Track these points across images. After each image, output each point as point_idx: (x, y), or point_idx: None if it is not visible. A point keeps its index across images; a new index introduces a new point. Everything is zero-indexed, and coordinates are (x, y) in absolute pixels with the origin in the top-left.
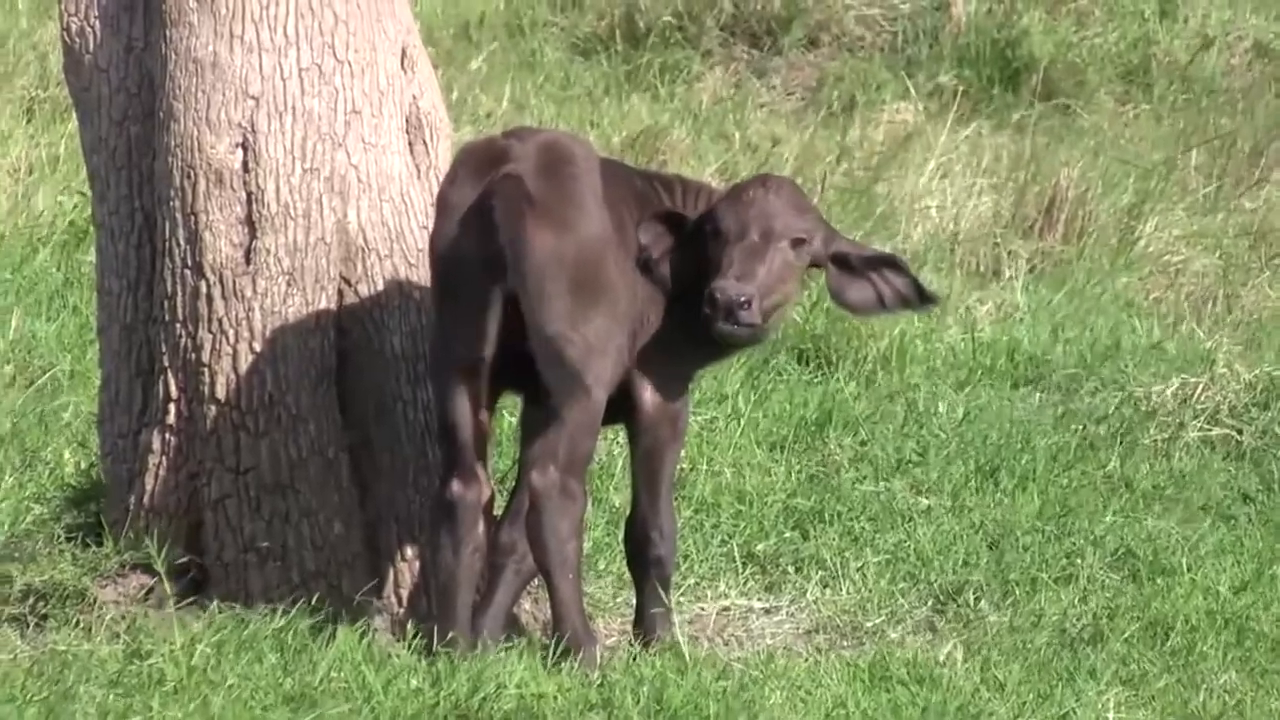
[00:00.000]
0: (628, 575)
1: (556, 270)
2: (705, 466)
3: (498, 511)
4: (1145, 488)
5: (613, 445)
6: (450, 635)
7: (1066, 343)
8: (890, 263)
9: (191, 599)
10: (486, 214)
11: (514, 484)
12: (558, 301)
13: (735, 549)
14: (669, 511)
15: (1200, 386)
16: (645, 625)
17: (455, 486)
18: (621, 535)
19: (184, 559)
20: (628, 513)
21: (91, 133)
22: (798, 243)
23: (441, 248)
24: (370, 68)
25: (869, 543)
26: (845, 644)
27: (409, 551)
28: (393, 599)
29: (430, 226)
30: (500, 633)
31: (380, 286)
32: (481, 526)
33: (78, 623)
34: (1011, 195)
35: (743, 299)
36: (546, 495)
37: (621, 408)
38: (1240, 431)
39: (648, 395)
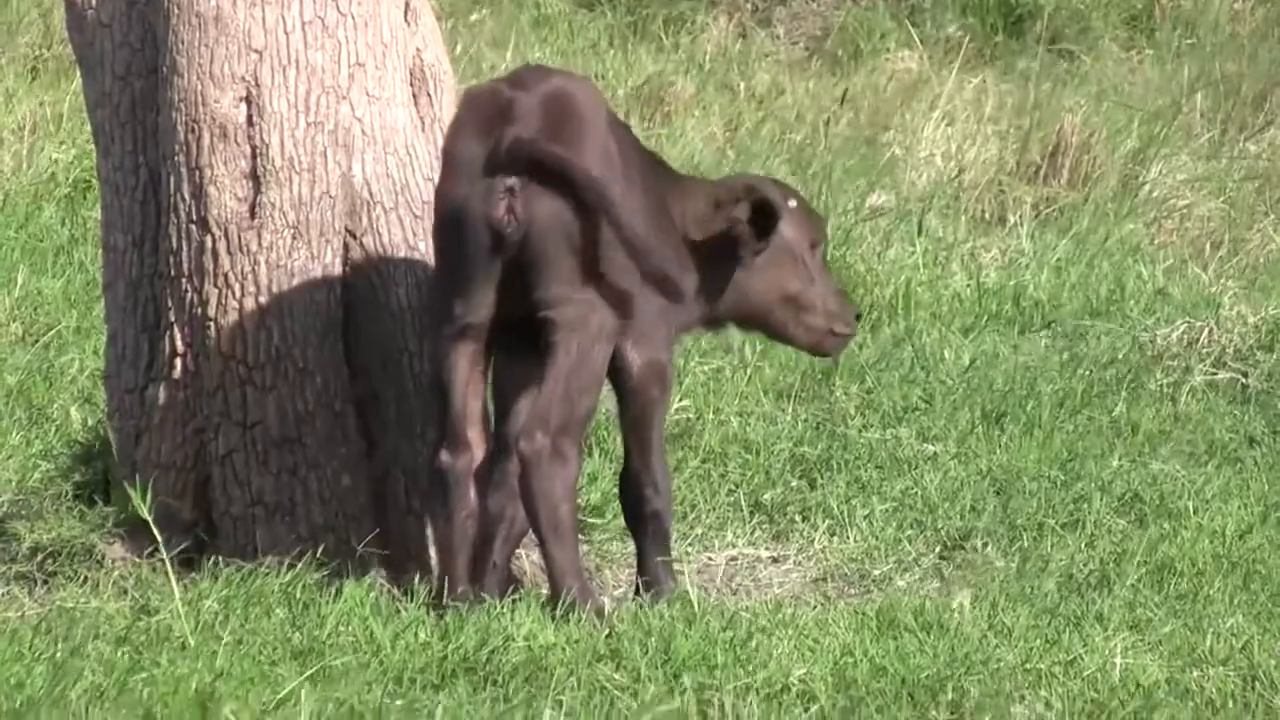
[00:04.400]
0: None
1: (556, 237)
2: (712, 416)
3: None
4: (1151, 432)
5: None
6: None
7: (1072, 288)
8: None
9: (198, 553)
10: (492, 178)
11: (494, 449)
12: (560, 265)
13: (742, 498)
14: (662, 465)
15: (1206, 330)
16: (648, 578)
17: (444, 455)
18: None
19: (192, 514)
20: (621, 469)
21: (95, 89)
22: None
23: (446, 206)
24: (373, 20)
25: (876, 490)
26: (853, 592)
27: (416, 503)
28: (400, 552)
29: (435, 179)
30: (498, 596)
31: (385, 239)
32: (473, 492)
33: (85, 580)
34: (1016, 142)
35: None
36: (535, 461)
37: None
38: (1246, 375)
39: (635, 355)
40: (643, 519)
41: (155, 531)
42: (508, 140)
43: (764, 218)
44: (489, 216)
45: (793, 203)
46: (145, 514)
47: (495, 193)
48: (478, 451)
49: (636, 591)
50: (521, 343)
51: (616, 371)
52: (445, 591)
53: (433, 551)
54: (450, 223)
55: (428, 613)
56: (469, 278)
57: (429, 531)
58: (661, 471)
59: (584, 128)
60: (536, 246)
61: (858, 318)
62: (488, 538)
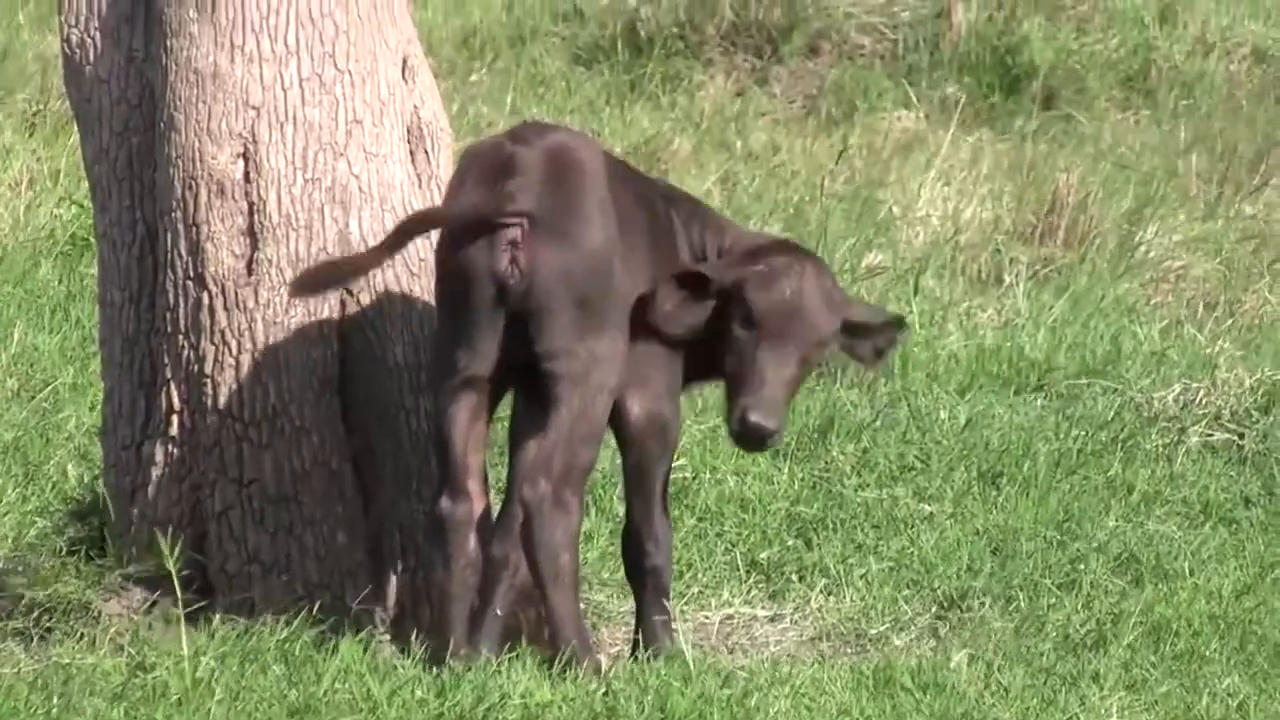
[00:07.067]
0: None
1: (561, 287)
2: (708, 475)
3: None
4: (1147, 492)
5: (616, 454)
6: (449, 649)
7: (1068, 348)
8: (895, 324)
9: (197, 608)
10: (495, 231)
11: (504, 497)
12: (562, 317)
13: (739, 557)
14: (663, 521)
15: (1201, 391)
16: (646, 634)
17: (444, 503)
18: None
19: (187, 571)
20: (623, 523)
21: (93, 144)
22: (821, 344)
23: (448, 259)
24: (371, 77)
25: (872, 550)
26: (849, 651)
27: (412, 560)
28: (396, 608)
29: (434, 235)
30: (498, 646)
31: (382, 296)
32: (473, 542)
33: (81, 636)
34: (1013, 202)
35: (775, 433)
36: (537, 509)
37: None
38: (1241, 436)
39: (636, 408)
40: (642, 574)
41: (176, 584)
42: (509, 193)
43: (693, 282)
44: (493, 269)
45: (758, 268)
46: (170, 565)
47: (498, 245)
48: (477, 503)
49: (634, 648)
50: (533, 391)
51: (617, 423)
52: (442, 644)
53: (429, 607)
54: (453, 275)
55: (425, 668)
56: (472, 330)
57: (425, 587)
58: (662, 526)
59: (583, 183)
60: (540, 298)
61: (741, 432)
62: (490, 585)
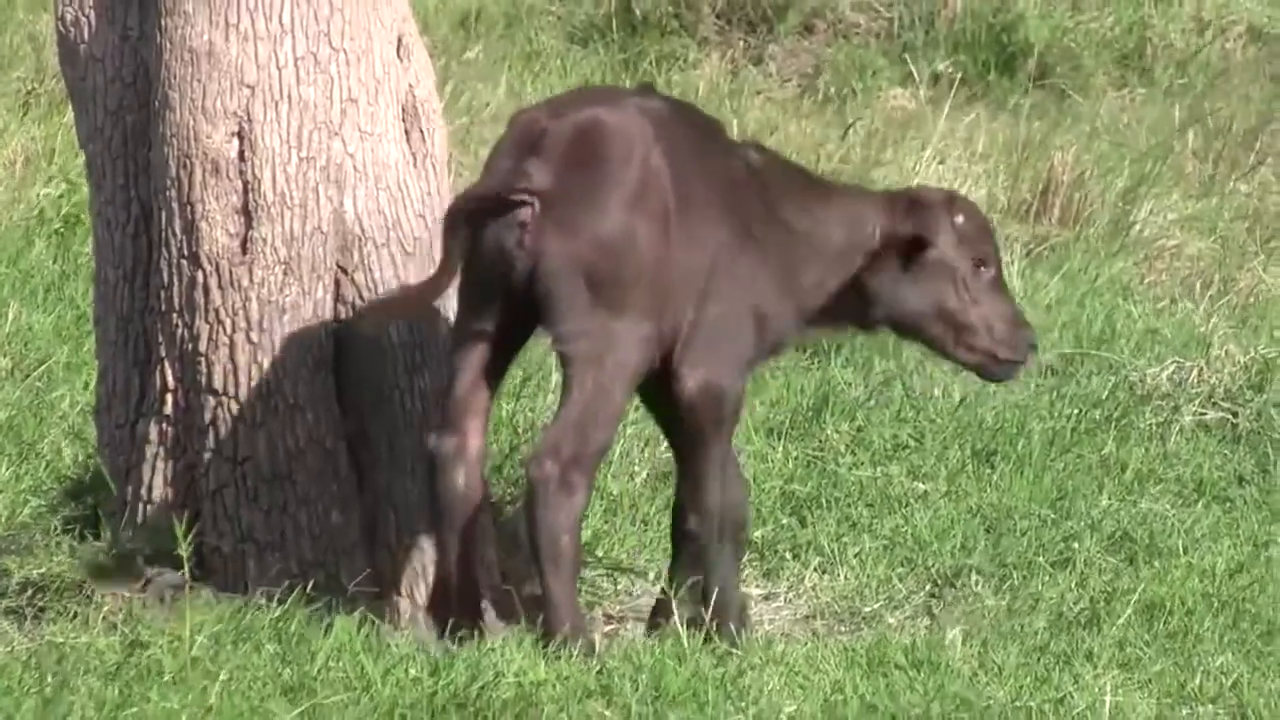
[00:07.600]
0: (623, 562)
1: (568, 274)
2: None
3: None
4: (1141, 471)
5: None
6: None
7: (1062, 326)
8: None
9: (189, 589)
10: (507, 213)
11: None
12: (573, 300)
13: None
14: (713, 492)
15: (1195, 369)
16: (682, 596)
17: (431, 438)
18: (623, 521)
19: (181, 549)
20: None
21: (87, 123)
22: None
23: (466, 231)
24: (366, 56)
25: (866, 528)
26: (843, 629)
27: (407, 539)
28: (390, 587)
29: (426, 215)
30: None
31: (377, 275)
32: (461, 475)
33: (75, 615)
34: (1007, 180)
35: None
36: (542, 488)
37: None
38: (1235, 414)
39: (691, 380)
40: (682, 538)
41: (186, 566)
42: (526, 171)
43: (914, 239)
44: (500, 245)
45: (960, 218)
46: (183, 548)
47: (510, 223)
48: (471, 440)
49: (654, 612)
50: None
51: (670, 391)
52: (436, 572)
53: (423, 587)
54: (470, 249)
55: (418, 648)
56: (478, 293)
57: (419, 567)
58: (712, 498)
59: (608, 163)
60: (545, 282)
61: (1033, 347)
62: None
